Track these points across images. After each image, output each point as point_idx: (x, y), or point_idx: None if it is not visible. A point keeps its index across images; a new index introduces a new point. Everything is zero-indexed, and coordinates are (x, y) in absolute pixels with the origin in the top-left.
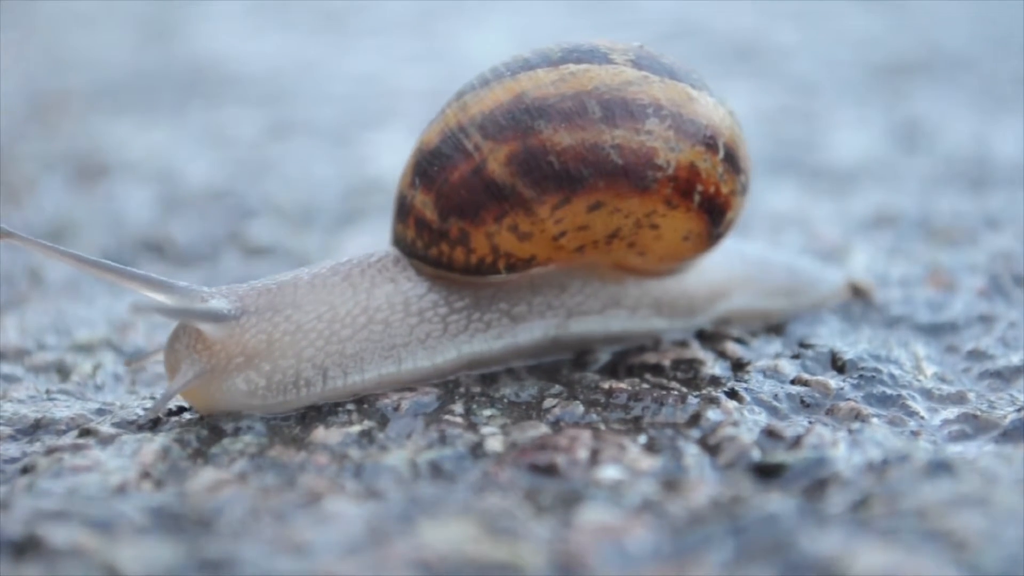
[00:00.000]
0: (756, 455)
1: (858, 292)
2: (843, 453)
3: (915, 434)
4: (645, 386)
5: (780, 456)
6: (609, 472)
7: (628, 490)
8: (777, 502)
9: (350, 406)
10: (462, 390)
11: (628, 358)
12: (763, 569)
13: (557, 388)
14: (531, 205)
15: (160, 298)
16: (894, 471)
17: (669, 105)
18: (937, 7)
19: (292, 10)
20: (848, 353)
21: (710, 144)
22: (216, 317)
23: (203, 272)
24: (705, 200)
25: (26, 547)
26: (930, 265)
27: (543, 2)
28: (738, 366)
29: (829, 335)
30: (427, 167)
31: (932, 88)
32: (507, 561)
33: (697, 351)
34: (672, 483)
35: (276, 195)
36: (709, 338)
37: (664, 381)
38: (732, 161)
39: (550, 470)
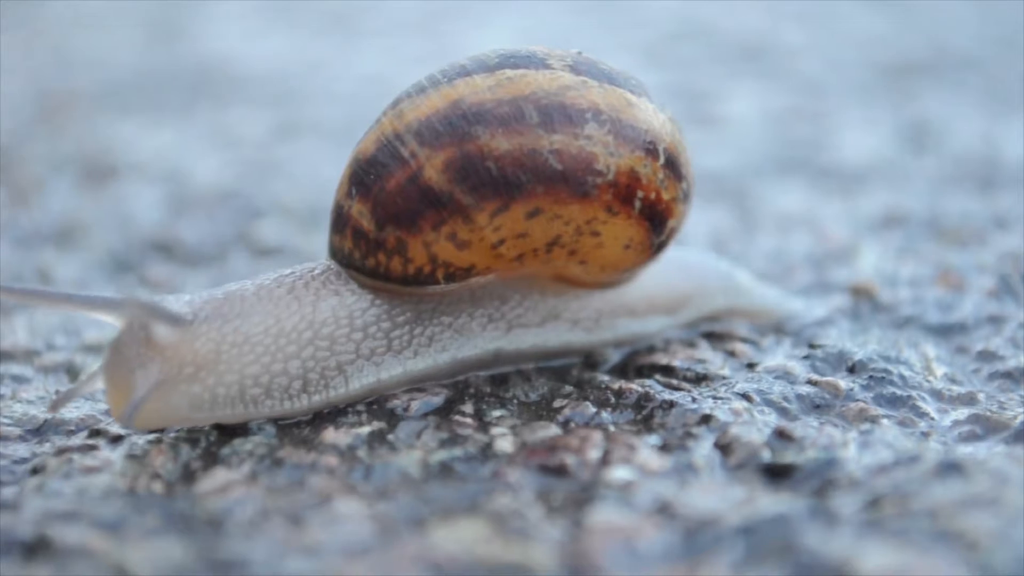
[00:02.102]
0: (766, 456)
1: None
2: (853, 454)
3: (925, 435)
4: (656, 387)
5: (790, 457)
6: (620, 473)
7: (638, 491)
8: (787, 503)
9: (360, 407)
10: (472, 391)
11: (638, 359)
12: (773, 570)
13: (567, 388)
14: (469, 212)
15: (106, 317)
16: (904, 472)
17: (608, 110)
18: (944, 7)
19: (299, 10)
20: (858, 354)
21: (650, 150)
22: (175, 319)
23: (212, 272)
24: (646, 207)
25: (36, 548)
26: (939, 265)
27: (549, 3)
28: (748, 367)
29: (839, 336)
30: (363, 176)
31: (939, 88)
32: (518, 562)
33: (706, 352)
34: (683, 484)
35: (284, 195)
36: (718, 339)
37: (674, 382)
38: (673, 167)
39: (560, 471)
